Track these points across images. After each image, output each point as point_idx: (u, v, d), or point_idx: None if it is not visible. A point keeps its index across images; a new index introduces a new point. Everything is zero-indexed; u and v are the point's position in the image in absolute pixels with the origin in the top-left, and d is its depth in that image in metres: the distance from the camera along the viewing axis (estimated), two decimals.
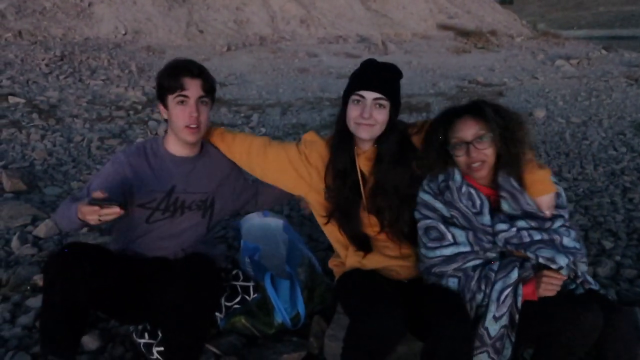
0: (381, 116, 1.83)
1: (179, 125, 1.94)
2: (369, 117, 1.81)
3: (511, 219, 1.78)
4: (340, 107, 1.95)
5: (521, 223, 1.76)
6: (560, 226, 1.80)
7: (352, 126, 1.86)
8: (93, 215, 1.59)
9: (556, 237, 1.75)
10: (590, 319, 1.59)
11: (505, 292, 1.66)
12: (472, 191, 1.80)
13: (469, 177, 1.83)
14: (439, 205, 1.83)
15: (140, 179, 1.99)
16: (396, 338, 1.65)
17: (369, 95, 1.81)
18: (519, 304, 1.65)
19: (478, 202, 1.79)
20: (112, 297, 1.89)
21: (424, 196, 1.87)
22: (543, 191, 1.79)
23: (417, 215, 1.88)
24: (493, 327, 1.66)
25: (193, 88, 1.90)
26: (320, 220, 2.07)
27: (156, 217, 2.02)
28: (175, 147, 2.05)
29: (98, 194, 1.61)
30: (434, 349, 1.61)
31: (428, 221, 1.84)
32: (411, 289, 1.88)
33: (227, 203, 2.20)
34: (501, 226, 1.76)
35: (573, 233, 1.82)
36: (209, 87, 1.97)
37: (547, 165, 5.17)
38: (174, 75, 1.90)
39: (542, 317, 1.66)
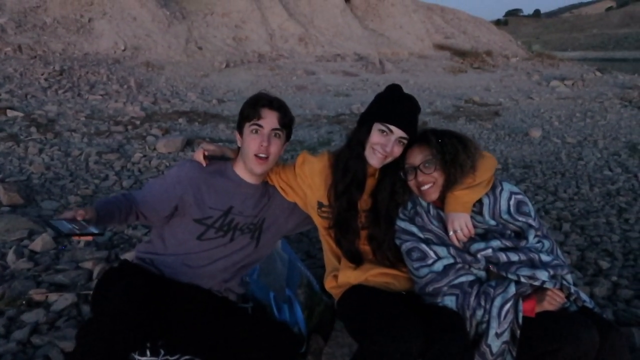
0: (398, 151, 1.91)
1: (249, 153, 1.97)
2: (390, 151, 1.88)
3: (484, 238, 1.85)
4: (359, 125, 1.98)
5: (496, 243, 1.81)
6: (534, 237, 1.85)
7: (368, 149, 1.92)
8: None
9: (534, 255, 1.80)
10: (588, 338, 1.60)
11: (506, 308, 1.68)
12: (441, 213, 1.91)
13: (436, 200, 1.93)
14: (414, 229, 1.93)
15: (200, 193, 2.01)
16: (415, 358, 1.60)
17: (398, 132, 1.87)
18: (520, 320, 1.68)
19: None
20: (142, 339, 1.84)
21: (400, 223, 1.97)
22: (451, 208, 1.85)
23: (397, 242, 1.97)
24: (495, 343, 1.68)
25: (269, 119, 1.95)
26: (322, 232, 2.13)
27: (209, 235, 2.02)
28: (242, 173, 2.08)
29: (81, 214, 1.68)
30: None
31: (408, 243, 1.92)
32: (410, 302, 1.88)
33: (276, 221, 2.19)
34: (477, 246, 1.82)
35: (547, 244, 1.87)
36: (285, 122, 2.00)
37: (543, 184, 5.24)
38: (254, 104, 1.96)
39: (540, 336, 1.67)
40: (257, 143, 1.95)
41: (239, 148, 2.07)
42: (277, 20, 19.35)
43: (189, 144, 6.74)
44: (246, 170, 2.05)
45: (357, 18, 22.68)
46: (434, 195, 1.90)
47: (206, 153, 2.07)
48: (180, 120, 8.63)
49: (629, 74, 20.34)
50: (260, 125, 1.95)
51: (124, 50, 14.43)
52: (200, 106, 10.30)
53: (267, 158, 1.97)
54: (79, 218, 1.68)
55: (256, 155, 1.96)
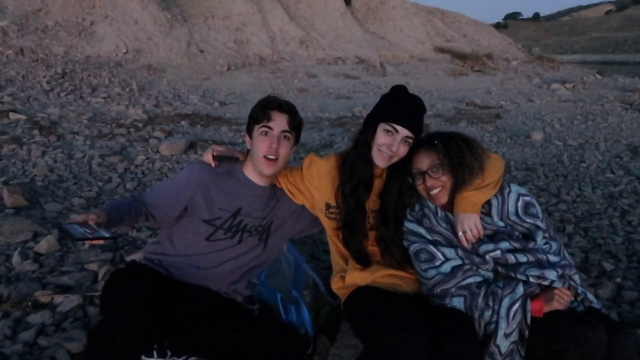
0: (404, 151, 1.92)
1: (258, 155, 1.99)
2: (396, 151, 1.88)
3: (492, 239, 1.86)
4: (365, 126, 1.99)
5: (504, 244, 1.82)
6: (542, 239, 1.86)
7: (374, 150, 1.93)
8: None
9: (542, 256, 1.81)
10: (596, 338, 1.60)
11: (514, 308, 1.69)
12: (449, 214, 1.92)
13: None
14: (422, 230, 1.94)
15: (210, 194, 2.02)
16: (420, 357, 1.61)
17: (403, 131, 1.88)
18: (528, 320, 1.68)
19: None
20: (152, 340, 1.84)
21: (408, 225, 1.98)
22: (461, 209, 1.86)
23: (405, 243, 1.98)
24: (504, 344, 1.68)
25: (279, 121, 1.97)
26: (330, 233, 2.13)
27: (217, 236, 2.03)
28: (251, 175, 2.09)
29: (92, 218, 1.68)
30: None
31: (416, 245, 1.92)
32: (418, 304, 1.89)
33: (284, 224, 2.20)
34: (486, 247, 1.82)
35: (554, 245, 1.89)
36: (295, 125, 2.02)
37: (546, 187, 5.24)
38: (264, 107, 1.98)
39: (548, 336, 1.67)
40: (266, 145, 1.96)
41: (248, 150, 2.09)
42: (278, 23, 19.40)
43: (192, 146, 6.75)
44: (255, 172, 2.07)
45: (358, 21, 22.74)
46: (444, 199, 1.90)
47: (215, 154, 2.08)
48: (183, 122, 8.63)
49: (628, 77, 20.36)
50: (270, 128, 1.96)
51: (125, 53, 14.45)
52: (202, 109, 10.30)
53: (276, 160, 1.99)
54: (90, 222, 1.68)
55: (265, 157, 1.98)
